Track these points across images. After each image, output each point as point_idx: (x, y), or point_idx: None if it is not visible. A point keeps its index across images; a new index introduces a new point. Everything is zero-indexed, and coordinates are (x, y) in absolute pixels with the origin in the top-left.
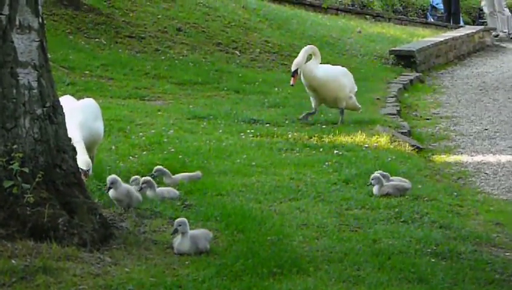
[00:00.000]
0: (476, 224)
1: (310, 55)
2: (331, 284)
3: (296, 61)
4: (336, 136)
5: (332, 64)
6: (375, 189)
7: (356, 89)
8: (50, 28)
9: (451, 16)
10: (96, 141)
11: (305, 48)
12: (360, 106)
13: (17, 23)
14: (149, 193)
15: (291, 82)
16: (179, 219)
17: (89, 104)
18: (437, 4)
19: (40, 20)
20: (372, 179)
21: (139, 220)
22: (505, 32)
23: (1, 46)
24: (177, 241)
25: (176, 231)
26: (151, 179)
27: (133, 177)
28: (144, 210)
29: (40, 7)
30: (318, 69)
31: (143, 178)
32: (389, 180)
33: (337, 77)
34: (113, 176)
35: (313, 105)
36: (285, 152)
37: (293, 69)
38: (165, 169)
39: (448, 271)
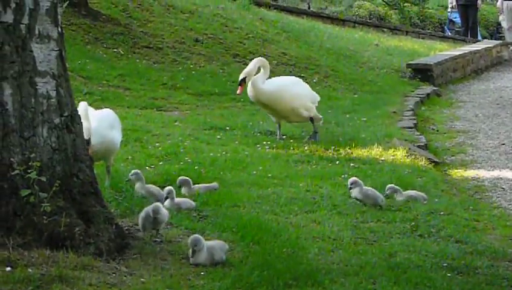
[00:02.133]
0: (493, 239)
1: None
2: None
3: (245, 70)
4: (352, 148)
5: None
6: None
7: (318, 98)
8: (68, 37)
9: (468, 30)
10: (111, 149)
11: (256, 59)
12: (321, 117)
13: (37, 32)
14: (167, 203)
15: (238, 91)
16: (192, 238)
17: (106, 113)
18: (455, 18)
19: (59, 29)
20: (351, 184)
21: (155, 230)
22: None
23: (20, 56)
24: (195, 253)
25: (194, 253)
26: (173, 189)
27: (168, 189)
28: None
29: (59, 17)
30: (265, 83)
31: (166, 188)
32: (401, 194)
33: (286, 87)
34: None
35: (274, 120)
36: (302, 164)
37: (240, 77)
38: (188, 179)
39: (464, 286)
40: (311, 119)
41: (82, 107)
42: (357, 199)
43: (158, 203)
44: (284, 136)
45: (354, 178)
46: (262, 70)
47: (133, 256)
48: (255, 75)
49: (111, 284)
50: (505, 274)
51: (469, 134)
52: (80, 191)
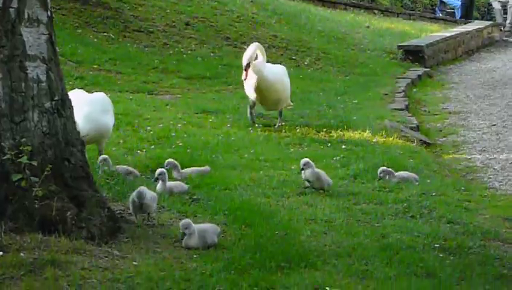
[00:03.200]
0: (484, 219)
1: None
2: (339, 278)
3: (247, 54)
4: (344, 131)
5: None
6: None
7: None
8: (58, 22)
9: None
10: (103, 134)
11: (254, 44)
12: (292, 104)
13: (26, 16)
14: (158, 186)
15: (244, 76)
16: (183, 222)
17: (99, 97)
18: None
19: (49, 13)
20: (304, 165)
21: (147, 214)
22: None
23: (10, 40)
24: (186, 236)
25: (184, 235)
26: (165, 172)
27: (160, 171)
28: None
29: (48, 1)
30: (266, 69)
31: (158, 170)
32: (393, 176)
33: (282, 76)
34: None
35: (251, 102)
36: (293, 147)
37: (245, 62)
38: (176, 162)
39: (456, 266)
40: (281, 112)
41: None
42: (307, 181)
43: (143, 188)
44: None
45: (306, 159)
46: (260, 55)
47: (125, 240)
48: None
49: (103, 268)
50: (497, 254)
51: (460, 115)
52: (72, 175)
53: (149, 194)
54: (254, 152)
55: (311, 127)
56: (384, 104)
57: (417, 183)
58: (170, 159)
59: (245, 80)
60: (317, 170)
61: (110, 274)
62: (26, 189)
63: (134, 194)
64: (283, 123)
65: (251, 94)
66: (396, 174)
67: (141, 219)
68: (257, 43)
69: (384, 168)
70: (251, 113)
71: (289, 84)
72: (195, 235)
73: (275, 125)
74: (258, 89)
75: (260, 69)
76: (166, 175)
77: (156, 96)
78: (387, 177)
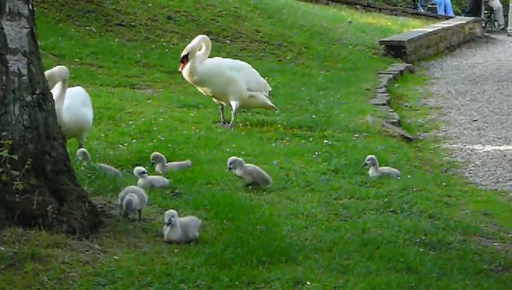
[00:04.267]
0: (465, 214)
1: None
2: (320, 273)
3: (188, 46)
4: (326, 125)
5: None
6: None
7: (269, 88)
8: (40, 15)
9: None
10: (83, 127)
11: (200, 36)
12: (274, 106)
13: (7, 9)
14: (140, 182)
15: (180, 68)
16: (170, 211)
17: (77, 91)
18: None
19: (30, 7)
20: (230, 164)
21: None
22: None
23: None
24: (167, 229)
25: (169, 223)
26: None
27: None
28: None
29: None
30: (202, 63)
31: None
32: (376, 170)
33: (221, 71)
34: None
35: (215, 102)
36: (275, 141)
37: (183, 53)
38: (162, 156)
39: (437, 261)
40: (235, 110)
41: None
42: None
43: (129, 199)
44: (257, 114)
45: (233, 158)
46: (203, 49)
47: (106, 234)
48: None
49: (84, 262)
50: (477, 249)
51: (442, 110)
52: (53, 169)
53: (136, 201)
54: (236, 147)
55: (293, 121)
56: (366, 99)
57: (398, 178)
58: (156, 153)
59: (180, 71)
60: (250, 166)
61: (91, 268)
62: (6, 183)
63: (124, 203)
64: (230, 126)
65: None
66: (378, 169)
67: (123, 214)
68: (204, 36)
69: (373, 157)
70: (221, 114)
71: (245, 80)
72: (177, 229)
73: (227, 125)
74: (196, 84)
75: (194, 64)
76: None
77: (137, 91)
78: (371, 167)
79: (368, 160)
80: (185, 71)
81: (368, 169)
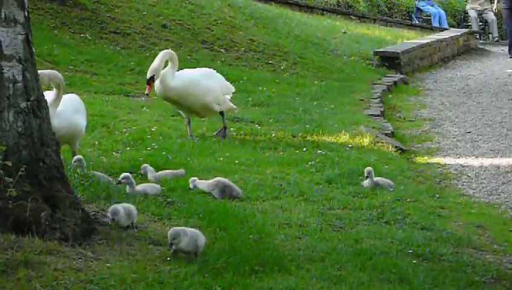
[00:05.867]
0: (457, 226)
1: (167, 61)
2: (312, 283)
3: (151, 66)
4: (320, 135)
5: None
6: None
7: (233, 90)
8: (35, 22)
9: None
10: (75, 134)
11: (163, 52)
12: (235, 107)
13: (3, 16)
14: (128, 189)
15: (146, 91)
16: (172, 232)
17: (71, 97)
18: (423, 6)
19: (26, 13)
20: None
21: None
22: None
23: None
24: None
25: (171, 245)
26: (130, 176)
27: (124, 175)
28: None
29: (25, 1)
30: (174, 77)
31: (123, 174)
32: (372, 181)
33: (198, 81)
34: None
35: (184, 116)
36: (269, 151)
37: (148, 75)
38: (149, 166)
39: (429, 272)
40: (222, 113)
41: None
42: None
43: (116, 208)
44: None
45: (192, 178)
46: (170, 63)
47: (99, 241)
48: (163, 69)
49: (77, 270)
50: (469, 261)
51: (435, 122)
52: (46, 176)
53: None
54: (229, 156)
55: (287, 131)
56: (359, 109)
57: (392, 189)
58: (144, 165)
59: (147, 94)
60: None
61: (84, 275)
62: (0, 189)
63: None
64: (224, 136)
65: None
66: (374, 179)
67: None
68: (167, 51)
69: (371, 169)
70: (189, 129)
71: (218, 86)
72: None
73: (216, 133)
74: (172, 101)
75: (165, 78)
76: (132, 178)
77: (132, 98)
78: (368, 179)
79: (367, 173)
80: (158, 90)
81: (364, 180)
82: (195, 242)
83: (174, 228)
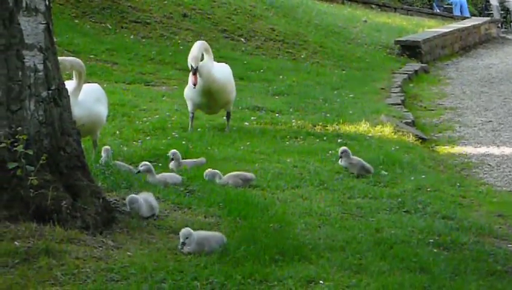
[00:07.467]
0: (479, 215)
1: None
2: (333, 272)
3: (192, 56)
4: (340, 124)
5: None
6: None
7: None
8: (56, 11)
9: None
10: (96, 123)
11: (199, 42)
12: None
13: (24, 5)
14: (150, 178)
15: (193, 81)
16: (184, 232)
17: (92, 87)
18: None
19: (47, 2)
20: (206, 176)
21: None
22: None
23: (7, 28)
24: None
25: (183, 244)
26: (150, 164)
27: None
28: None
29: None
30: (215, 69)
31: (142, 162)
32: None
33: (230, 78)
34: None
35: (190, 109)
36: (289, 140)
37: (194, 65)
38: (179, 154)
39: (450, 261)
40: (229, 114)
41: None
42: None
43: (133, 197)
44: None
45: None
46: (206, 55)
47: (119, 230)
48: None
49: (97, 258)
50: (491, 250)
51: (456, 111)
52: (67, 165)
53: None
54: (250, 145)
55: (307, 120)
56: (380, 98)
57: (371, 174)
58: (175, 150)
59: (195, 85)
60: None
61: (104, 264)
62: (21, 178)
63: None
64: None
65: (196, 99)
66: (354, 158)
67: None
68: (202, 42)
69: (345, 148)
70: (191, 123)
71: (234, 85)
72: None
73: (225, 130)
74: (208, 93)
75: (209, 70)
76: (152, 167)
77: (152, 88)
78: (344, 158)
79: (341, 152)
80: (199, 81)
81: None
82: (201, 246)
83: (188, 228)
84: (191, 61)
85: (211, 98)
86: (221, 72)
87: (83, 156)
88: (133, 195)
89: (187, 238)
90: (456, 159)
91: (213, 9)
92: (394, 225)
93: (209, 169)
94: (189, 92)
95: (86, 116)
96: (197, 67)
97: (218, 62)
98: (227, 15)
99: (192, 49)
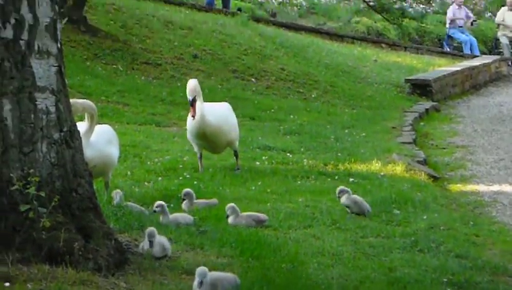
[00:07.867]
0: (493, 254)
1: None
2: None
3: (191, 89)
4: (352, 164)
5: None
6: (230, 219)
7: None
8: (67, 54)
9: None
10: (108, 164)
11: (192, 80)
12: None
13: (36, 48)
14: (162, 219)
15: (192, 113)
16: (200, 271)
17: (104, 128)
18: (453, 34)
19: (59, 45)
20: (228, 209)
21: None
22: None
23: (20, 71)
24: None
25: (201, 283)
26: (165, 204)
27: (158, 203)
28: None
29: (58, 32)
30: (206, 111)
31: (157, 202)
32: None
33: (227, 117)
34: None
35: (195, 149)
36: (301, 179)
37: (190, 96)
38: (192, 193)
39: None
40: (236, 153)
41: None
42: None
43: (153, 230)
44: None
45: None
46: (198, 97)
47: (132, 271)
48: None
49: None
50: (505, 289)
51: (468, 149)
52: (79, 207)
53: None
54: (261, 184)
55: (318, 160)
56: (391, 137)
57: (368, 212)
58: (188, 190)
59: (194, 117)
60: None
61: None
62: (33, 220)
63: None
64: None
65: (196, 141)
66: (352, 196)
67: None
68: (195, 80)
69: (342, 187)
70: (201, 163)
71: (236, 122)
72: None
73: (236, 169)
74: (203, 135)
75: (202, 113)
76: (166, 208)
77: (163, 128)
78: (344, 195)
79: (339, 192)
80: (193, 124)
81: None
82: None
83: (204, 267)
84: (188, 95)
85: (207, 139)
86: (213, 113)
87: (95, 197)
88: (152, 228)
89: (204, 277)
90: (468, 197)
91: (223, 50)
92: (407, 264)
93: (232, 204)
94: (188, 134)
95: (97, 157)
96: (195, 98)
97: (228, 102)
98: (238, 55)
99: (188, 84)
